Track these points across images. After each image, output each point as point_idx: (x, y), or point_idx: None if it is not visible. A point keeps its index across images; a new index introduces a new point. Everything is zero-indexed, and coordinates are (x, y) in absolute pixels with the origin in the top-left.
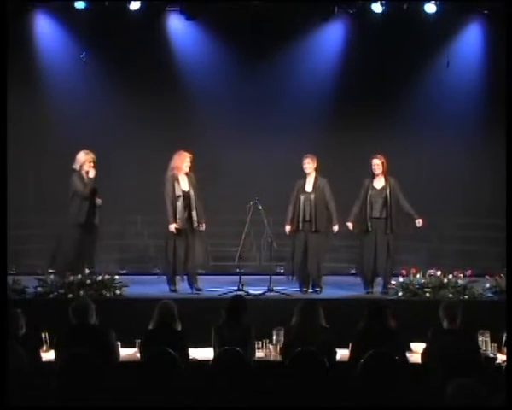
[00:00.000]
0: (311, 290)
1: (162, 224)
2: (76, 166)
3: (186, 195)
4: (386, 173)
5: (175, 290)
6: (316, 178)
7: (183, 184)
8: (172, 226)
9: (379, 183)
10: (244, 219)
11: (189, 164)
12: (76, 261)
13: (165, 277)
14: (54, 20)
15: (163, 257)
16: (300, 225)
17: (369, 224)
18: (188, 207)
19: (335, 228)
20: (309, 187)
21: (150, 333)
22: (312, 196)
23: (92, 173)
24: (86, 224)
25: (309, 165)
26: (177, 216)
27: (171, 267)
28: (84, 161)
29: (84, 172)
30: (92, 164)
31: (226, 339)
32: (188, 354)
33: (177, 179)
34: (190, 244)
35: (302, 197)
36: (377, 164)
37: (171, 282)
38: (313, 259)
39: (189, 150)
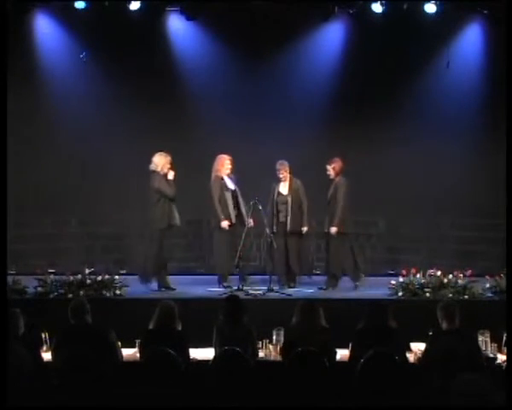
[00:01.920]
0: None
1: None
2: (157, 168)
3: (233, 193)
4: (338, 176)
5: (229, 286)
6: (291, 180)
7: (229, 184)
8: (225, 223)
9: (332, 185)
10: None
11: (229, 166)
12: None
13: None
14: (54, 20)
15: (219, 254)
16: (275, 227)
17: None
18: (236, 205)
19: (304, 229)
20: (284, 190)
21: (150, 333)
22: (289, 199)
23: (171, 175)
24: (173, 224)
25: (283, 174)
26: (228, 213)
27: (229, 264)
28: (165, 162)
29: (162, 174)
30: (169, 165)
31: (227, 339)
32: (188, 355)
33: (223, 179)
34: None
35: (278, 200)
36: (328, 170)
37: (225, 278)
38: (283, 259)
39: (227, 153)
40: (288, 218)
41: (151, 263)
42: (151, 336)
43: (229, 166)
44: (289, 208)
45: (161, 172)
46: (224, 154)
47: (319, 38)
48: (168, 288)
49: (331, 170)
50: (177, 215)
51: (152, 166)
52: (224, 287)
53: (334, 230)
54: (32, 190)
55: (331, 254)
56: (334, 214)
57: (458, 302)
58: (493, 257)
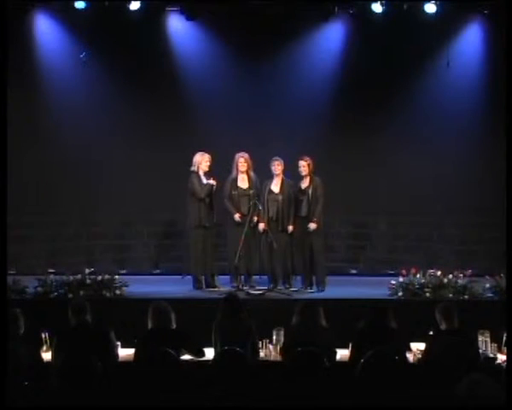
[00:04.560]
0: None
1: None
2: (194, 167)
3: (244, 192)
4: (311, 174)
5: (241, 287)
6: (283, 179)
7: (242, 183)
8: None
9: (304, 183)
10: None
11: (243, 164)
12: (204, 262)
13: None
14: (54, 20)
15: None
16: (266, 224)
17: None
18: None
19: (290, 228)
20: (276, 188)
21: (146, 334)
22: (280, 197)
23: (205, 174)
24: (206, 225)
25: (278, 167)
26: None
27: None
28: (200, 161)
29: (201, 173)
30: (207, 163)
31: (227, 337)
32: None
33: (236, 179)
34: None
35: (269, 197)
36: (303, 166)
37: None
38: (280, 258)
39: (246, 151)
40: (278, 216)
41: (192, 263)
42: (147, 337)
43: (243, 164)
44: (279, 207)
45: (198, 172)
46: (240, 153)
47: (319, 37)
48: (213, 287)
49: (306, 166)
50: (208, 216)
51: (192, 167)
52: (239, 289)
53: (313, 226)
54: (32, 191)
55: (319, 252)
56: (315, 212)
57: (458, 302)
58: (493, 257)
